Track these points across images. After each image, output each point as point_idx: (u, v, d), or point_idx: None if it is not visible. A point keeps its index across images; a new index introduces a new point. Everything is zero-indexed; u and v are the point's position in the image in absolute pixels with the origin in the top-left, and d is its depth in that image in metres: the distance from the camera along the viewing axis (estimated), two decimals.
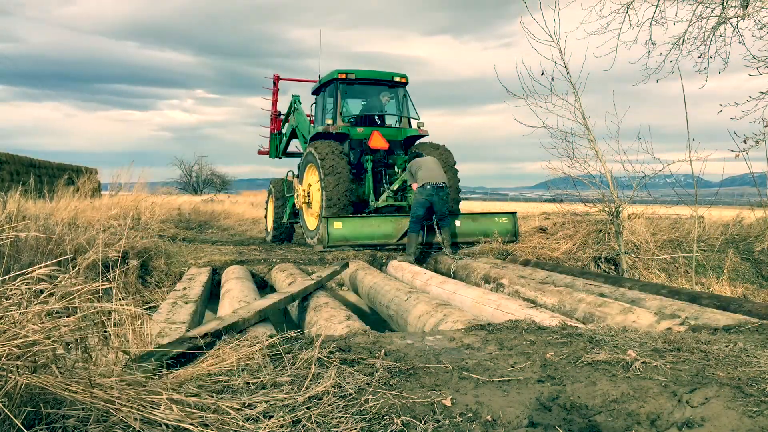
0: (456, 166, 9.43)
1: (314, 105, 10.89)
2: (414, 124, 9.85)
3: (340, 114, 9.49)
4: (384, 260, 7.56)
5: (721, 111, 6.44)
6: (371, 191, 9.28)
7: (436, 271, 7.07)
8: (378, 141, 9.19)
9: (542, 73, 7.16)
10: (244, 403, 1.96)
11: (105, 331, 2.16)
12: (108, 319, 2.25)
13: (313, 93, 10.86)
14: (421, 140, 9.88)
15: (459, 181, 9.52)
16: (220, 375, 2.27)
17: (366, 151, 9.44)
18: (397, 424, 1.83)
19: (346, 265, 6.63)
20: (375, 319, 5.32)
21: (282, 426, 1.80)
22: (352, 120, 9.74)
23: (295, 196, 10.01)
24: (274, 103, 12.93)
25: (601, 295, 4.70)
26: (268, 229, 12.14)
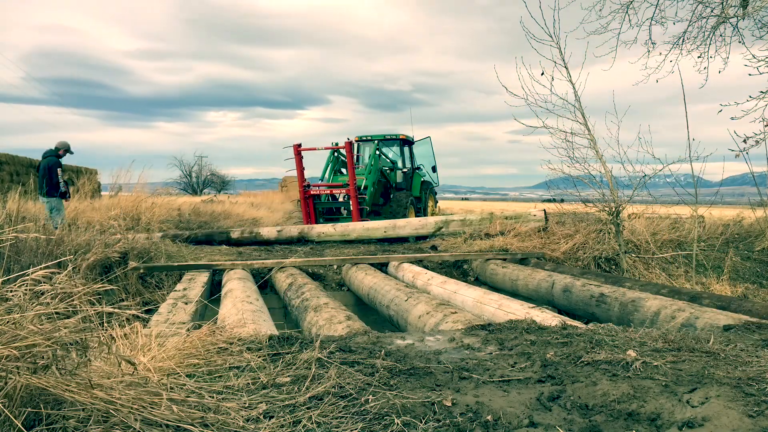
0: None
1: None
2: None
3: None
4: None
5: (721, 111, 6.44)
6: None
7: None
8: None
9: (542, 73, 7.16)
10: (245, 404, 1.96)
11: (106, 333, 2.15)
12: (108, 321, 2.25)
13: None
14: None
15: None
16: (220, 374, 2.27)
17: None
18: (398, 424, 1.83)
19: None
20: (375, 319, 5.31)
21: (282, 426, 1.80)
22: None
23: None
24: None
25: (602, 295, 4.70)
26: None
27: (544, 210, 9.23)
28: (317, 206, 12.20)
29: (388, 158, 13.68)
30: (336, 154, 12.54)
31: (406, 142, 13.97)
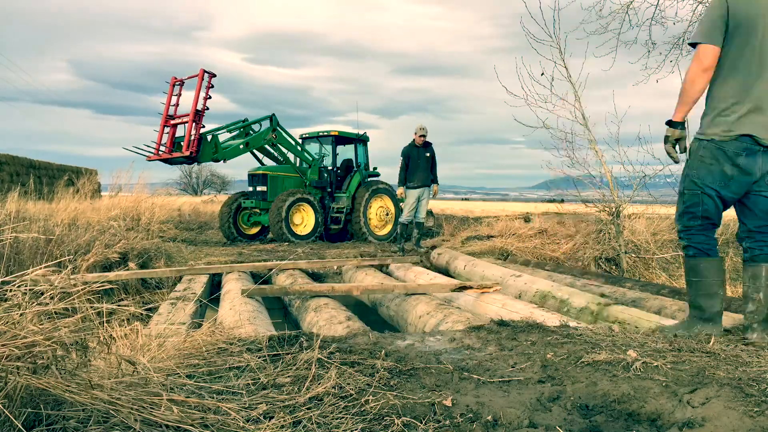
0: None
1: None
2: None
3: None
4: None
5: None
6: None
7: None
8: None
9: (542, 74, 7.16)
10: (245, 404, 1.96)
11: (106, 332, 2.15)
12: (108, 320, 2.25)
13: None
14: None
15: None
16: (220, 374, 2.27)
17: None
18: (398, 425, 1.83)
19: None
20: (375, 319, 5.31)
21: (282, 427, 1.80)
22: None
23: None
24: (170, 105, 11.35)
25: (602, 295, 4.70)
26: None
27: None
28: (177, 138, 11.22)
29: (310, 155, 13.00)
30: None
31: (340, 139, 13.26)
